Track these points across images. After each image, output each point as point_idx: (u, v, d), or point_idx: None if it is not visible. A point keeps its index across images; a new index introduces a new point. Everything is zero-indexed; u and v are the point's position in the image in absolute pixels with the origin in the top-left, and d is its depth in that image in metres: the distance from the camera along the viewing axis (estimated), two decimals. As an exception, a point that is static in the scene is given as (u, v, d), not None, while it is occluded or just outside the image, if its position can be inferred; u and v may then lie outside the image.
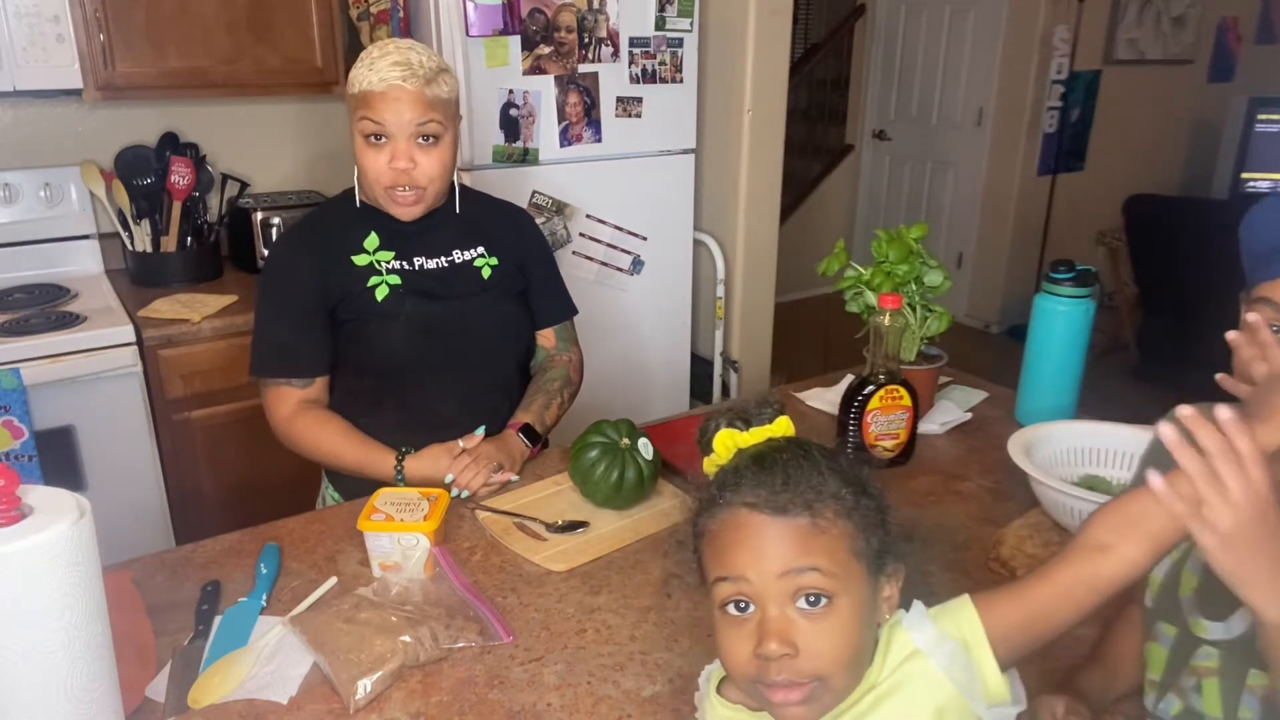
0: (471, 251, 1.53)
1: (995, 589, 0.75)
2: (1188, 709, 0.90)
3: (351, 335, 1.46)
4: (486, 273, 1.53)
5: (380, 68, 1.36)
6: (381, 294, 1.45)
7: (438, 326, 1.48)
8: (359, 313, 1.45)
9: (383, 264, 1.46)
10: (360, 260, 1.46)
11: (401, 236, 1.48)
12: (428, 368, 1.48)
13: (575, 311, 1.69)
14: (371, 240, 1.47)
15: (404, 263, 1.48)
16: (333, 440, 1.45)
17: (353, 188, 1.51)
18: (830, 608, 0.70)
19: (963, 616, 0.73)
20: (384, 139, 1.38)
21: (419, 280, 1.48)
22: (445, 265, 1.50)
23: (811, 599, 0.69)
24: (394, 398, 1.49)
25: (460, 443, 1.42)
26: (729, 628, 0.72)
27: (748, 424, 0.79)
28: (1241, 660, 0.85)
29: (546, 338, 1.65)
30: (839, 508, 0.72)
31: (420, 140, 1.39)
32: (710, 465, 0.79)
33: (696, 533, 0.76)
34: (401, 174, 1.39)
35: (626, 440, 1.36)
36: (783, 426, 0.79)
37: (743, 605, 0.71)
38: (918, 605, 0.76)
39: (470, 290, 1.51)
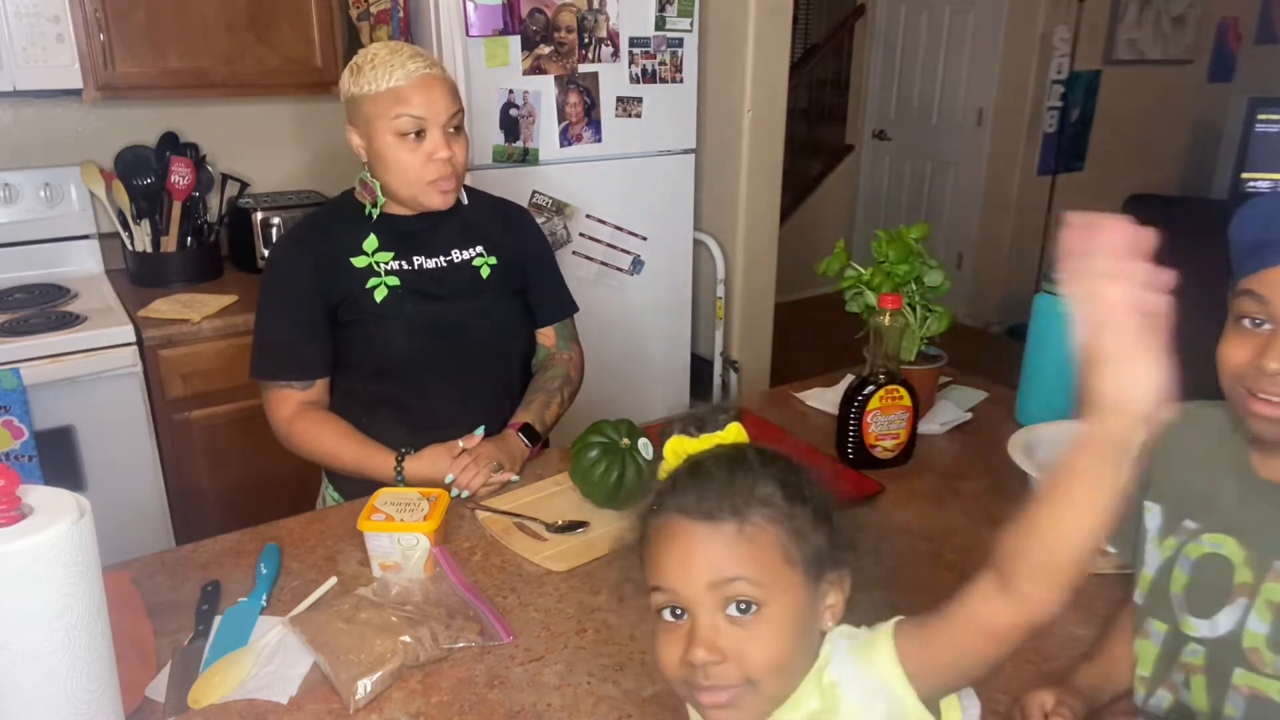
0: (470, 251, 1.53)
1: (922, 618, 0.72)
2: (1178, 703, 0.90)
3: (351, 336, 1.46)
4: (485, 272, 1.53)
5: (401, 63, 1.36)
6: (380, 295, 1.45)
7: (437, 326, 1.48)
8: (358, 314, 1.45)
9: (381, 265, 1.46)
10: (359, 262, 1.46)
11: (401, 236, 1.48)
12: (427, 368, 1.48)
13: (576, 309, 1.69)
14: (370, 242, 1.46)
15: (403, 262, 1.47)
16: (332, 441, 1.45)
17: (354, 189, 1.51)
18: (760, 615, 0.69)
19: (879, 654, 0.71)
20: (421, 134, 1.38)
21: (418, 280, 1.47)
22: (444, 265, 1.50)
23: (741, 606, 0.69)
24: (394, 398, 1.49)
25: (460, 443, 1.42)
26: (663, 634, 0.72)
27: (701, 430, 0.79)
28: (1227, 658, 0.86)
29: (547, 336, 1.65)
30: (769, 513, 0.71)
31: (450, 131, 1.40)
32: (663, 472, 0.79)
33: (641, 540, 0.76)
34: (444, 164, 1.40)
35: (626, 440, 1.36)
36: (733, 433, 0.79)
37: (678, 612, 0.71)
38: (840, 641, 0.74)
39: (469, 290, 1.51)
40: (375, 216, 1.48)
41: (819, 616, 0.74)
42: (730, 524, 0.70)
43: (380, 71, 1.37)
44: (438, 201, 1.44)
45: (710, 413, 0.80)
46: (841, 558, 0.74)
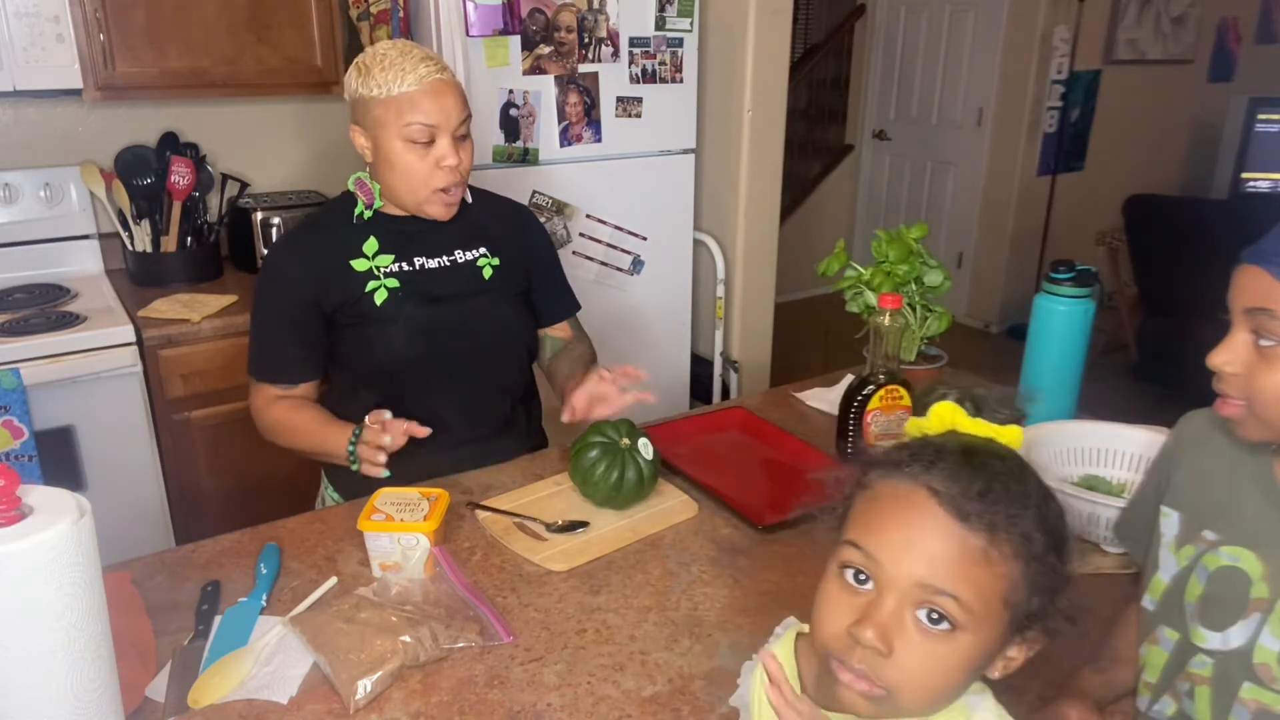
0: (473, 251, 1.53)
1: None
2: (1180, 712, 0.90)
3: (351, 340, 1.46)
4: (488, 273, 1.53)
5: (413, 66, 1.34)
6: (380, 298, 1.44)
7: (437, 328, 1.47)
8: (358, 317, 1.44)
9: (381, 269, 1.46)
10: (359, 265, 1.45)
11: (403, 238, 1.48)
12: (427, 370, 1.48)
13: (579, 307, 1.69)
14: (370, 245, 1.46)
15: (404, 264, 1.47)
16: (295, 424, 1.45)
17: (352, 191, 1.50)
18: (948, 636, 0.64)
19: None
20: (431, 141, 1.37)
21: (419, 281, 1.47)
22: (446, 265, 1.50)
23: (934, 617, 0.64)
24: (394, 401, 1.48)
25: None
26: (837, 590, 0.67)
27: (978, 411, 0.71)
28: (1235, 672, 0.85)
29: (561, 329, 1.65)
30: (1019, 549, 0.64)
31: (459, 138, 1.39)
32: (914, 427, 0.72)
33: (861, 483, 0.69)
34: (452, 171, 1.39)
35: (626, 440, 1.36)
36: (1011, 435, 0.70)
37: (862, 578, 0.66)
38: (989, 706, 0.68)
39: (470, 291, 1.51)
40: (368, 218, 1.47)
41: (992, 664, 0.68)
42: (979, 537, 0.63)
43: (391, 74, 1.34)
44: (440, 212, 1.44)
45: (994, 400, 0.73)
46: (1053, 627, 0.68)
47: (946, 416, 0.71)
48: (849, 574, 0.67)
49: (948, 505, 0.64)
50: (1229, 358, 0.82)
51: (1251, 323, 0.81)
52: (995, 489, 0.65)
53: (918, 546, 0.64)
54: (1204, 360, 0.85)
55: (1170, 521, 0.94)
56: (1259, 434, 0.84)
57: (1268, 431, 0.83)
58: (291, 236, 1.53)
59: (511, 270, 1.55)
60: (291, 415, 1.46)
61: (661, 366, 2.82)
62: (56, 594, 0.79)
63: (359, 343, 1.46)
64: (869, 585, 0.66)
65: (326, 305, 1.44)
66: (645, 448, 1.37)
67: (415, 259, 1.48)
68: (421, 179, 1.39)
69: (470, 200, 1.54)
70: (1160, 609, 0.93)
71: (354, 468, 1.36)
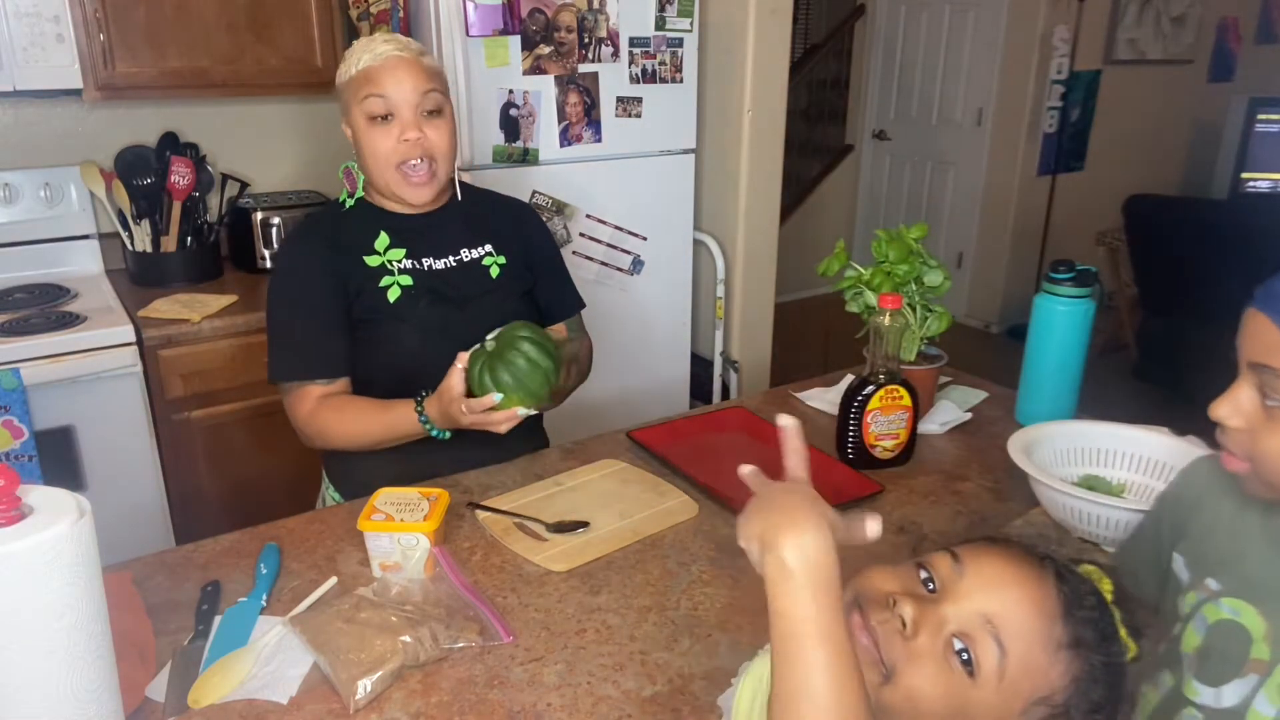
0: (479, 249, 1.53)
1: None
2: None
3: (365, 336, 1.45)
4: (495, 271, 1.53)
5: (373, 47, 1.39)
6: (394, 295, 1.44)
7: (449, 328, 1.47)
8: (373, 312, 1.44)
9: (394, 264, 1.46)
10: (372, 261, 1.45)
11: (410, 235, 1.48)
12: (438, 369, 1.47)
13: (583, 305, 1.69)
14: (382, 240, 1.46)
15: (414, 261, 1.47)
16: (356, 420, 1.42)
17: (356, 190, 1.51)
18: (962, 680, 0.63)
19: None
20: (390, 116, 1.39)
21: (430, 280, 1.47)
22: (454, 264, 1.50)
23: (965, 658, 0.64)
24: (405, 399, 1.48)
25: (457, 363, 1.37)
26: (900, 570, 0.69)
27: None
28: None
29: (558, 330, 1.64)
30: (1081, 669, 0.64)
31: (424, 113, 1.40)
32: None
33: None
34: (413, 145, 1.39)
35: (491, 340, 1.33)
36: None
37: (931, 586, 0.67)
38: None
39: (479, 289, 1.51)
40: (350, 206, 1.48)
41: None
42: (1063, 627, 0.65)
43: (354, 58, 1.40)
44: (409, 194, 1.43)
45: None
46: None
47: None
48: (922, 573, 0.67)
49: (1060, 588, 0.65)
50: (1233, 411, 0.78)
51: (1257, 378, 0.76)
52: (1101, 610, 0.65)
53: (1010, 590, 0.64)
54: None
55: (1180, 566, 0.91)
56: (1265, 493, 0.80)
57: (1273, 493, 0.79)
58: (302, 233, 1.51)
59: (518, 268, 1.56)
60: (344, 412, 1.42)
61: (661, 366, 2.82)
62: (56, 594, 0.79)
63: (374, 340, 1.45)
64: (932, 589, 0.66)
65: (346, 296, 1.44)
66: (491, 339, 1.33)
67: (424, 259, 1.48)
68: (385, 156, 1.40)
69: (465, 199, 1.54)
70: (1165, 654, 0.89)
71: (435, 435, 1.38)
